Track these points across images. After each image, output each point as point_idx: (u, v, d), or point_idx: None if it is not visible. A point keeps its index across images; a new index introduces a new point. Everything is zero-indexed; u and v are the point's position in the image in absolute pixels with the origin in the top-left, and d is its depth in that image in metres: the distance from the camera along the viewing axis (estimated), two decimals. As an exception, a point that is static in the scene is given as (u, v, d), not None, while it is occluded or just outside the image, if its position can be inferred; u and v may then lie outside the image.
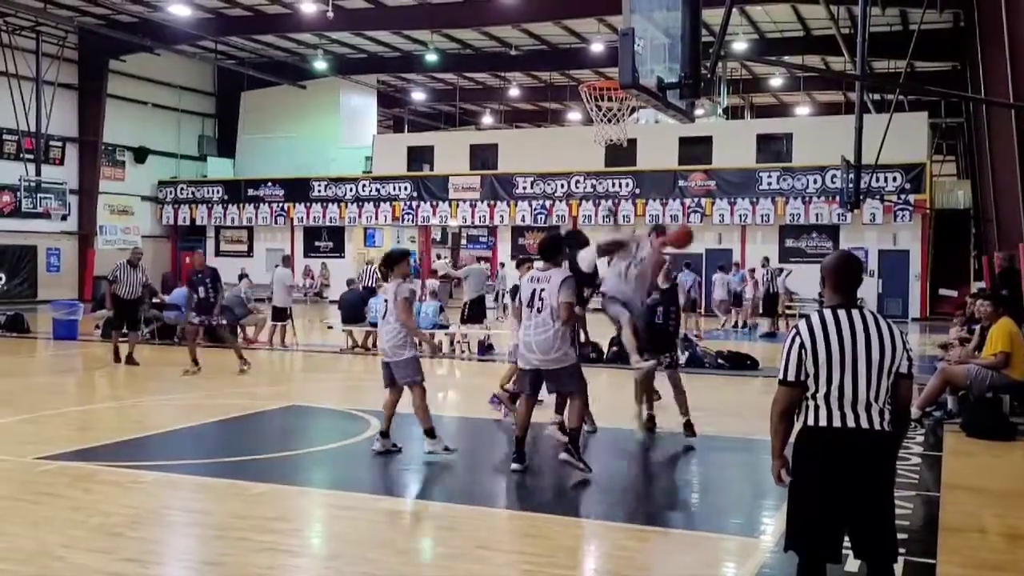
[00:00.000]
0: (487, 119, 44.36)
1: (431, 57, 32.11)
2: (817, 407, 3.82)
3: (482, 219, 32.72)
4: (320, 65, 33.49)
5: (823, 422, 3.81)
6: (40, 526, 5.91)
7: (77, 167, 32.60)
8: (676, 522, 6.51)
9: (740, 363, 14.97)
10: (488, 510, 6.67)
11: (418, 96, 40.94)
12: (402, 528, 6.36)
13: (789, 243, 29.15)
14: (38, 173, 29.14)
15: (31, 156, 29.40)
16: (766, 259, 23.86)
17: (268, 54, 34.99)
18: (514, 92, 38.83)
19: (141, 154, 35.41)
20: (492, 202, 32.33)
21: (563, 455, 7.21)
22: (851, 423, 3.78)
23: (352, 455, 8.45)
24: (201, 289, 13.80)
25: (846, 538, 3.88)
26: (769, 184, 29.18)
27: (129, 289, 14.80)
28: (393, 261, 8.16)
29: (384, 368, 8.09)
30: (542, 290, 7.23)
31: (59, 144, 31.59)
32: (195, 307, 13.94)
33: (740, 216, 29.44)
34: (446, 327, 17.24)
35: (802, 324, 3.90)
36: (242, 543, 5.64)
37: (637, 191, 30.57)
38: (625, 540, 5.96)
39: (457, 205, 32.68)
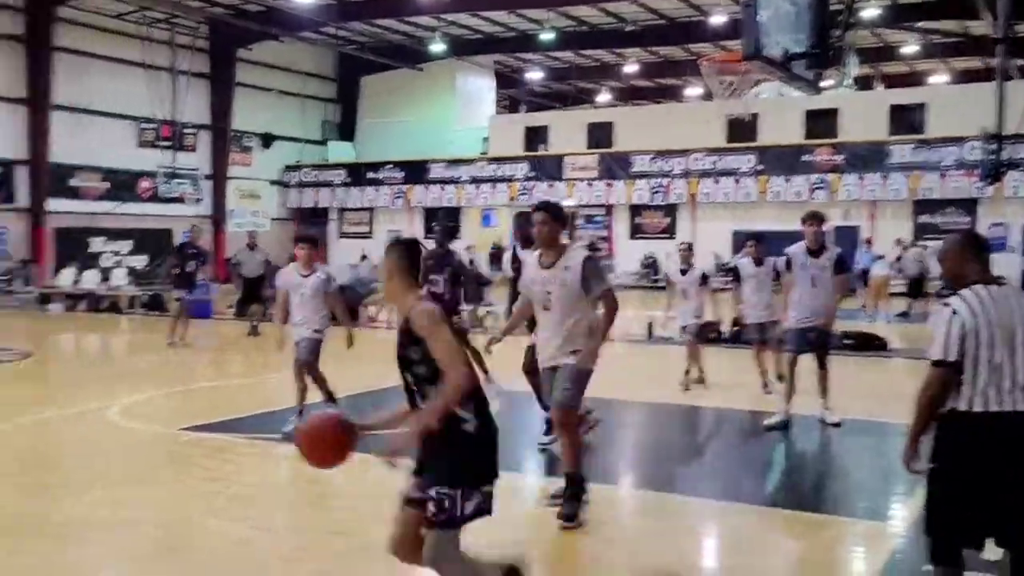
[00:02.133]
0: (603, 97, 43.99)
1: (547, 36, 32.01)
2: (971, 391, 3.62)
3: (598, 198, 32.55)
4: (437, 47, 33.85)
5: (977, 407, 3.60)
6: (182, 493, 6.25)
7: (209, 153, 33.97)
8: (805, 504, 6.37)
9: (867, 344, 14.51)
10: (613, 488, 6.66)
11: (534, 75, 40.92)
12: (520, 504, 6.45)
13: (923, 219, 27.94)
14: (174, 160, 30.47)
15: (168, 144, 30.76)
16: (899, 240, 22.99)
17: (387, 38, 35.58)
18: (631, 69, 38.36)
19: (267, 140, 36.61)
20: (608, 181, 32.12)
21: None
22: (1008, 407, 3.59)
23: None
24: (191, 263, 14.37)
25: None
26: (902, 157, 28.01)
27: (251, 269, 15.67)
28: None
29: None
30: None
31: (192, 132, 32.93)
32: (176, 281, 14.31)
33: (869, 191, 28.40)
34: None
35: (958, 301, 3.68)
36: (370, 514, 5.82)
37: (760, 167, 29.81)
38: (750, 521, 5.90)
39: (573, 184, 32.62)
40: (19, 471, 6.94)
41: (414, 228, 35.22)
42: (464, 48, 35.71)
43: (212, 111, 33.91)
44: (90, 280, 22.54)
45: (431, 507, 3.51)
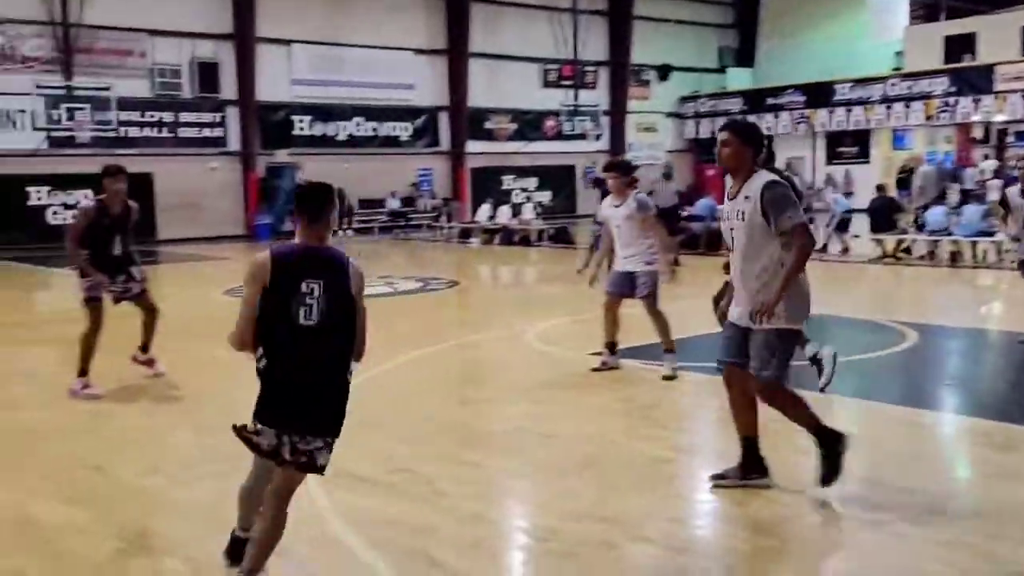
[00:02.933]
0: (1041, -6, 38.47)
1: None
2: None
3: (1036, 112, 28.75)
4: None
5: None
6: (598, 414, 6.66)
7: (608, 89, 35.02)
8: None
9: None
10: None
11: (956, -22, 36.82)
12: (940, 443, 6.04)
13: None
14: (576, 98, 31.82)
15: (569, 83, 32.19)
16: None
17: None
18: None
19: (664, 71, 36.87)
20: (1050, 91, 28.22)
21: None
22: None
23: (883, 366, 8.19)
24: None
25: None
26: None
27: (664, 199, 15.87)
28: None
29: None
30: None
31: (592, 69, 34.13)
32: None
33: None
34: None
35: None
36: (782, 440, 5.80)
37: None
38: None
39: (1004, 98, 29.05)
40: (454, 386, 7.84)
41: (816, 154, 33.68)
42: (874, -44, 33.05)
43: (610, 47, 34.84)
44: (503, 216, 24.41)
45: None
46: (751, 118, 35.36)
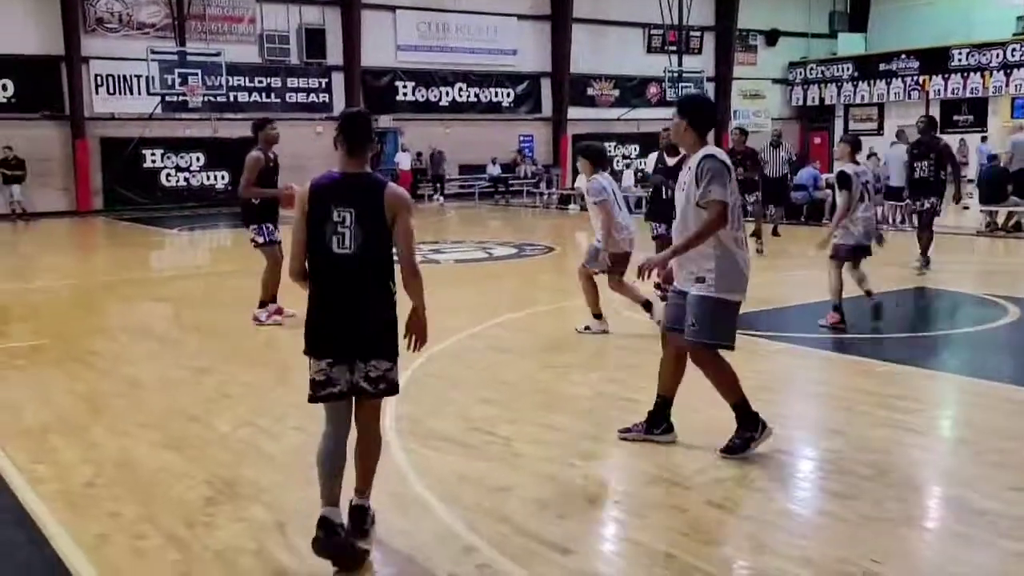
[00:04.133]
0: None
1: None
2: None
3: None
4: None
5: None
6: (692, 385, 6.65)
7: (713, 55, 34.31)
8: None
9: None
10: None
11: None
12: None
13: None
14: (680, 64, 31.29)
15: (674, 48, 31.65)
16: None
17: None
18: None
19: (772, 37, 35.90)
20: None
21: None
22: None
23: (987, 341, 7.92)
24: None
25: None
26: None
27: (774, 168, 15.52)
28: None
29: None
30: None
31: (698, 34, 33.47)
32: None
33: None
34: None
35: None
36: (864, 416, 5.72)
37: None
38: None
39: None
40: (539, 350, 7.91)
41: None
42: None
43: (716, 12, 34.08)
44: (581, 182, 24.25)
45: None
46: (861, 85, 34.29)
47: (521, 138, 31.05)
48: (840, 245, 8.31)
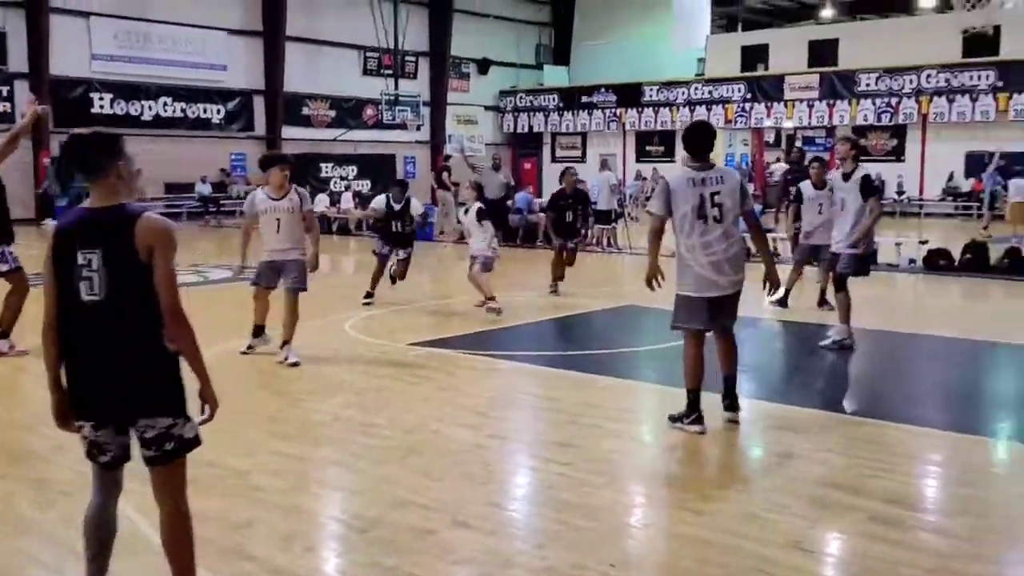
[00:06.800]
0: (826, 13, 41.44)
1: (769, -51, 30.49)
2: None
3: (820, 119, 31.09)
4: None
5: None
6: (416, 403, 6.71)
7: (428, 80, 35.04)
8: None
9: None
10: (826, 414, 6.55)
11: (753, -8, 39.17)
12: (737, 427, 6.47)
13: None
14: (396, 87, 31.60)
15: (390, 72, 31.93)
16: None
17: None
18: (859, -20, 35.99)
19: (484, 65, 37.29)
20: (831, 101, 30.58)
21: (732, 415, 6.11)
22: None
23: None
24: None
25: None
26: None
27: (493, 190, 15.98)
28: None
29: None
30: (715, 194, 5.82)
31: (413, 59, 34.04)
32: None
33: None
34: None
35: None
36: (591, 429, 6.06)
37: (999, 84, 27.46)
38: (979, 454, 5.67)
39: (793, 105, 31.27)
40: (268, 376, 7.67)
41: (626, 152, 35.07)
42: (682, -35, 34.67)
43: (431, 38, 34.86)
44: (321, 204, 23.96)
45: None
46: (566, 115, 36.46)
47: (233, 156, 29.99)
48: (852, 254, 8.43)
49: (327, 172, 32.03)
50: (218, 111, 29.57)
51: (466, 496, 4.81)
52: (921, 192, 29.72)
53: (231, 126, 29.94)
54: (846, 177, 8.37)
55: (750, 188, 7.72)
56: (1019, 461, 5.65)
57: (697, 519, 4.52)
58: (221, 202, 28.02)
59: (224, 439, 5.74)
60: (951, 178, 29.14)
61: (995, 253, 14.31)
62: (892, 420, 6.32)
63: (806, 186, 10.73)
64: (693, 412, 5.89)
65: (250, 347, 8.21)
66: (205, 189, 28.01)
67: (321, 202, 24.08)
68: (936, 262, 14.18)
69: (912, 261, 14.78)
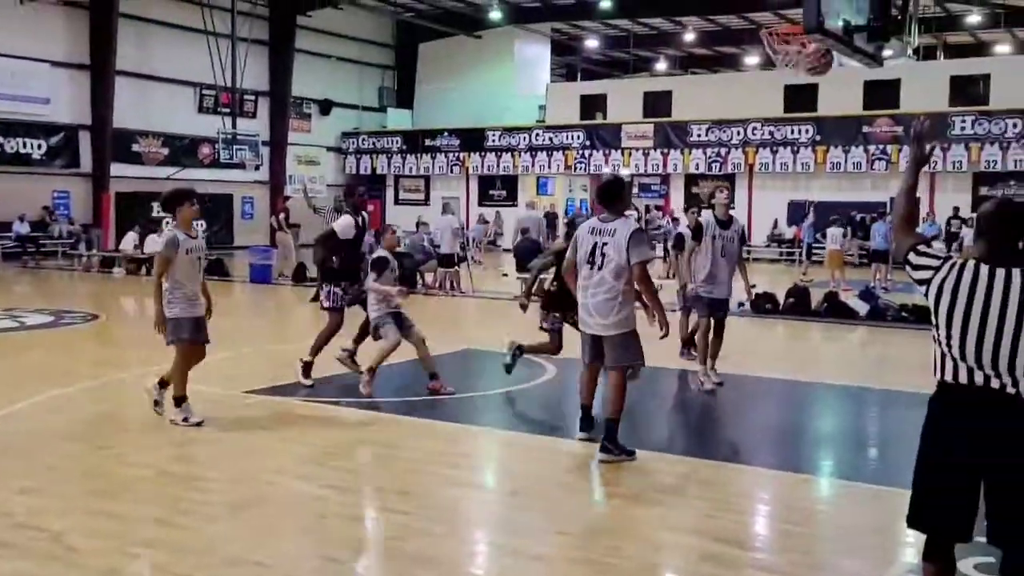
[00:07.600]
0: (661, 66, 43.50)
1: (605, 3, 31.69)
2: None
3: (655, 167, 32.34)
4: (495, 15, 33.74)
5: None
6: (251, 453, 6.45)
7: (268, 120, 34.35)
8: (854, 475, 6.35)
9: (926, 316, 14.30)
10: (664, 455, 6.71)
11: (592, 44, 40.59)
12: (580, 470, 6.54)
13: (984, 191, 27.28)
14: (234, 126, 30.73)
15: (228, 110, 31.06)
16: (956, 209, 22.51)
17: (444, 5, 35.54)
18: (689, 37, 37.87)
19: (326, 106, 36.90)
20: (665, 150, 31.87)
21: (600, 455, 6.28)
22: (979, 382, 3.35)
23: (528, 398, 8.72)
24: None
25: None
26: (963, 129, 27.36)
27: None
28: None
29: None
30: (604, 244, 6.21)
31: (252, 98, 33.29)
32: None
33: (930, 163, 27.76)
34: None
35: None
36: (432, 476, 5.97)
37: (818, 138, 29.39)
38: (805, 491, 5.93)
39: (630, 153, 32.41)
40: (88, 429, 7.20)
41: (469, 195, 35.40)
42: (522, 16, 35.56)
43: (271, 77, 34.26)
44: (152, 245, 22.96)
45: None
46: (409, 158, 36.53)
47: (55, 194, 28.40)
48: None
49: (159, 212, 30.72)
50: (39, 146, 27.96)
51: (303, 551, 4.64)
52: (749, 238, 31.30)
53: (54, 162, 28.35)
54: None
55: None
56: (841, 497, 5.93)
57: (536, 565, 4.51)
58: (41, 242, 26.42)
59: (36, 497, 5.36)
60: (776, 225, 30.83)
61: (816, 297, 15.17)
62: (726, 460, 6.54)
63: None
64: (584, 425, 6.83)
65: (185, 419, 7.13)
66: (23, 228, 26.35)
67: (152, 243, 23.04)
68: (763, 306, 14.88)
69: (741, 304, 15.48)
